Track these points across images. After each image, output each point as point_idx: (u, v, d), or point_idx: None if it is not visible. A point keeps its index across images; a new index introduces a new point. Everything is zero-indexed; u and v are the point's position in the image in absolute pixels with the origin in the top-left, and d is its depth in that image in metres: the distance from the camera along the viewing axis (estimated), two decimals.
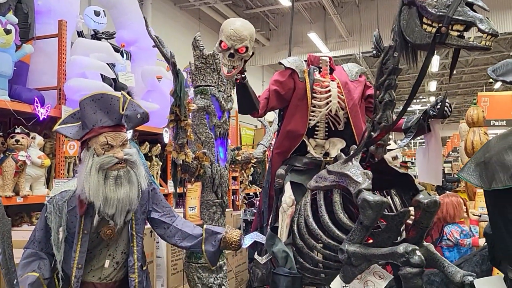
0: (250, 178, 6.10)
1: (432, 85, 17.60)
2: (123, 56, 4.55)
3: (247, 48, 1.91)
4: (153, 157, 4.88)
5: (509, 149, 1.42)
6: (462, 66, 16.69)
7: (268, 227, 2.26)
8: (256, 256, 2.26)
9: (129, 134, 2.09)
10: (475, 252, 2.34)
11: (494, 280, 1.55)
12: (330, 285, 1.76)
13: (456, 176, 5.12)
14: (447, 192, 4.72)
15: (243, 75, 2.07)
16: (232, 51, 1.91)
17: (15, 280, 1.57)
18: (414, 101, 21.85)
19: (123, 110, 1.85)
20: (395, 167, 3.68)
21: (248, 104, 2.22)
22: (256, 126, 8.95)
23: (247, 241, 2.11)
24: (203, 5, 10.81)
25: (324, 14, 12.26)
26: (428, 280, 2.41)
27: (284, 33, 12.42)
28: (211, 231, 2.08)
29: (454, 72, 16.62)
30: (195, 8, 11.04)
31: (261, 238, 2.15)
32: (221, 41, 1.92)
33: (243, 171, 3.36)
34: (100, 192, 1.76)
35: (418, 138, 2.04)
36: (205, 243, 2.03)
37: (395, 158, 3.85)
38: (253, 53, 2.02)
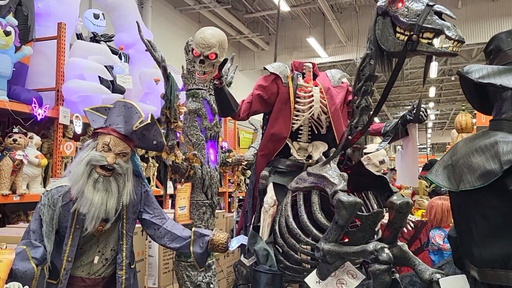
0: (247, 181, 6.15)
1: (431, 91, 17.67)
2: (121, 59, 4.63)
3: (216, 54, 2.02)
4: (150, 159, 4.96)
5: (476, 151, 1.47)
6: None
7: (251, 226, 2.34)
8: (242, 258, 2.33)
9: None
10: None
11: (458, 279, 1.61)
12: (305, 280, 1.83)
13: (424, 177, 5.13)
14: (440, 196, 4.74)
15: (220, 80, 2.17)
16: (202, 57, 2.02)
17: None
18: (411, 106, 21.88)
19: (135, 127, 1.94)
20: (383, 172, 3.75)
21: (226, 107, 2.33)
22: (254, 130, 9.00)
23: (234, 243, 2.18)
24: (203, 9, 10.91)
25: (323, 20, 12.35)
26: (411, 281, 2.47)
27: (283, 37, 12.52)
28: (199, 233, 2.15)
29: (453, 78, 16.63)
30: (195, 12, 11.14)
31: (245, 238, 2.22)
32: (192, 49, 2.04)
33: (234, 173, 3.44)
34: (80, 182, 1.84)
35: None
36: (193, 245, 2.11)
37: (382, 162, 3.91)
38: (226, 60, 2.12)
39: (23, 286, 1.66)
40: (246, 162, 3.33)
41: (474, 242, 1.49)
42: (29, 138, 3.40)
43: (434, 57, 1.71)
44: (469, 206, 1.51)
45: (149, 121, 1.95)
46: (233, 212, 4.69)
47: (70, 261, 1.90)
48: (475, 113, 5.89)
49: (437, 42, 1.58)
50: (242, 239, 2.23)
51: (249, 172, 5.38)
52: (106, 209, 1.88)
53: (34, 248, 1.85)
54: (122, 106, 1.98)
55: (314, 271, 1.81)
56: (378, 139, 6.19)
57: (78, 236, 1.91)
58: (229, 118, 5.50)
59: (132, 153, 2.04)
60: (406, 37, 1.61)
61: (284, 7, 10.53)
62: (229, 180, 6.09)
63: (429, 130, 26.04)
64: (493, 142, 1.45)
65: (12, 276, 1.68)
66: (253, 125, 3.96)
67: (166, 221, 2.17)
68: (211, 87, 2.88)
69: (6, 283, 1.62)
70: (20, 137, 3.24)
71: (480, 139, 1.52)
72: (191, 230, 2.63)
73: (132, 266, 2.09)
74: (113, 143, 1.91)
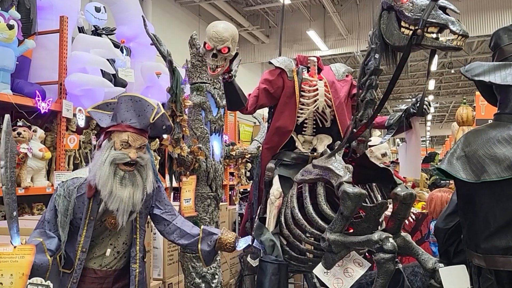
0: (248, 174, 6.20)
1: (431, 84, 17.68)
2: (122, 52, 4.64)
3: (229, 48, 2.03)
4: (152, 152, 4.98)
5: (499, 142, 1.48)
6: (462, 66, 16.72)
7: (257, 217, 2.37)
8: (249, 259, 2.37)
9: None
10: None
11: (458, 268, 1.65)
12: (313, 271, 1.87)
13: (434, 169, 5.15)
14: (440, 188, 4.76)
15: (230, 74, 2.18)
16: (215, 51, 2.03)
17: (15, 212, 1.66)
18: (414, 99, 21.92)
19: (152, 120, 1.96)
20: (385, 164, 3.78)
21: (235, 101, 2.32)
22: (254, 123, 9.04)
23: (242, 243, 2.19)
24: (203, 2, 10.87)
25: (324, 12, 12.32)
26: (413, 271, 2.52)
27: (284, 30, 12.49)
28: (208, 231, 2.17)
29: (452, 71, 16.63)
30: (195, 5, 11.10)
31: (255, 242, 2.23)
32: (205, 43, 2.05)
33: (237, 166, 3.48)
34: (109, 183, 1.87)
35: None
36: (201, 243, 2.13)
37: (384, 155, 3.95)
38: (237, 53, 2.13)
39: (45, 281, 1.70)
40: (249, 155, 3.37)
41: (488, 231, 1.50)
42: (33, 131, 3.43)
43: (437, 51, 1.74)
44: (488, 197, 1.51)
45: (163, 110, 1.98)
46: (235, 204, 4.73)
47: (85, 252, 1.94)
48: (474, 106, 5.92)
49: (441, 37, 1.61)
50: (250, 240, 2.26)
51: (249, 165, 5.41)
52: (134, 202, 1.92)
53: (49, 239, 1.89)
54: (129, 101, 1.98)
55: (321, 263, 1.85)
56: (377, 132, 6.22)
57: (92, 228, 1.95)
58: (230, 111, 5.49)
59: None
60: (411, 32, 1.63)
61: (285, 0, 10.49)
62: (231, 173, 6.13)
63: (428, 123, 26.09)
64: None
65: None
66: (255, 118, 3.99)
67: (176, 217, 2.20)
68: (215, 80, 2.91)
69: (29, 278, 1.66)
70: (24, 131, 3.26)
71: (497, 130, 1.53)
72: (196, 222, 2.67)
73: (144, 260, 2.14)
74: (131, 139, 1.93)
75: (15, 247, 1.67)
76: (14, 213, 1.67)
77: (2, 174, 1.63)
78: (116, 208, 1.89)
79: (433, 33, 1.59)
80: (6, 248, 1.65)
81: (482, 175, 1.48)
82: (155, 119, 1.96)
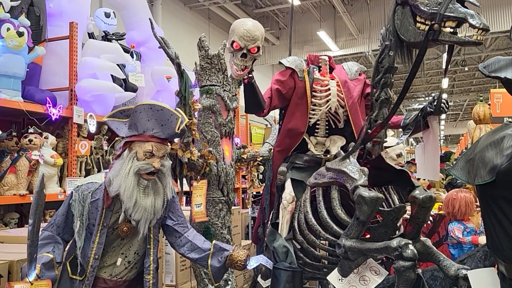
0: (260, 176, 6.15)
1: (445, 82, 17.43)
2: (133, 57, 4.64)
3: (258, 48, 1.96)
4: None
5: (490, 146, 1.47)
6: (475, 63, 16.49)
7: (269, 223, 2.31)
8: (259, 279, 2.31)
9: None
10: (479, 248, 2.35)
11: (487, 271, 1.59)
12: (327, 277, 1.81)
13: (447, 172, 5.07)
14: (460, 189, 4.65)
15: (250, 75, 2.11)
16: (244, 51, 1.96)
17: (35, 255, 1.69)
18: (428, 98, 21.66)
19: (178, 129, 1.93)
20: (399, 164, 3.70)
21: (255, 103, 2.25)
22: (266, 125, 8.99)
23: (253, 262, 2.12)
24: (212, 5, 10.88)
25: (334, 12, 12.24)
26: (432, 275, 2.43)
27: (294, 31, 12.42)
28: (219, 247, 2.11)
29: (466, 69, 16.33)
30: (204, 8, 11.12)
31: (267, 262, 2.17)
32: (233, 41, 1.97)
33: (249, 169, 3.42)
34: (134, 194, 1.85)
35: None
36: (211, 258, 2.07)
37: (399, 155, 3.87)
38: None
39: None
40: (261, 158, 3.30)
41: (501, 236, 1.46)
42: (44, 138, 3.44)
43: (455, 46, 1.66)
44: (490, 200, 1.49)
45: (186, 118, 1.94)
46: (248, 208, 4.68)
47: (97, 259, 1.91)
48: (489, 104, 5.80)
49: (460, 31, 1.53)
50: (262, 259, 2.18)
51: (261, 168, 5.35)
52: (155, 210, 1.91)
53: (57, 247, 1.88)
54: (149, 109, 1.91)
55: (336, 269, 1.78)
56: (390, 131, 6.12)
57: (104, 234, 1.92)
58: (241, 113, 5.41)
59: None
60: (427, 27, 1.56)
61: (295, 1, 10.43)
62: (243, 176, 6.08)
63: (442, 122, 25.75)
64: (502, 136, 1.45)
65: None
66: (267, 120, 3.92)
67: (188, 230, 2.15)
68: (225, 83, 2.86)
69: None
70: (35, 137, 3.27)
71: (497, 133, 1.52)
72: (208, 227, 2.62)
73: (158, 270, 2.09)
74: (156, 149, 1.90)
75: (31, 283, 1.69)
76: (35, 256, 1.71)
77: (29, 231, 1.66)
78: (140, 217, 1.87)
79: (451, 27, 1.52)
80: (23, 285, 1.68)
81: (475, 179, 1.49)
82: (180, 128, 1.92)
